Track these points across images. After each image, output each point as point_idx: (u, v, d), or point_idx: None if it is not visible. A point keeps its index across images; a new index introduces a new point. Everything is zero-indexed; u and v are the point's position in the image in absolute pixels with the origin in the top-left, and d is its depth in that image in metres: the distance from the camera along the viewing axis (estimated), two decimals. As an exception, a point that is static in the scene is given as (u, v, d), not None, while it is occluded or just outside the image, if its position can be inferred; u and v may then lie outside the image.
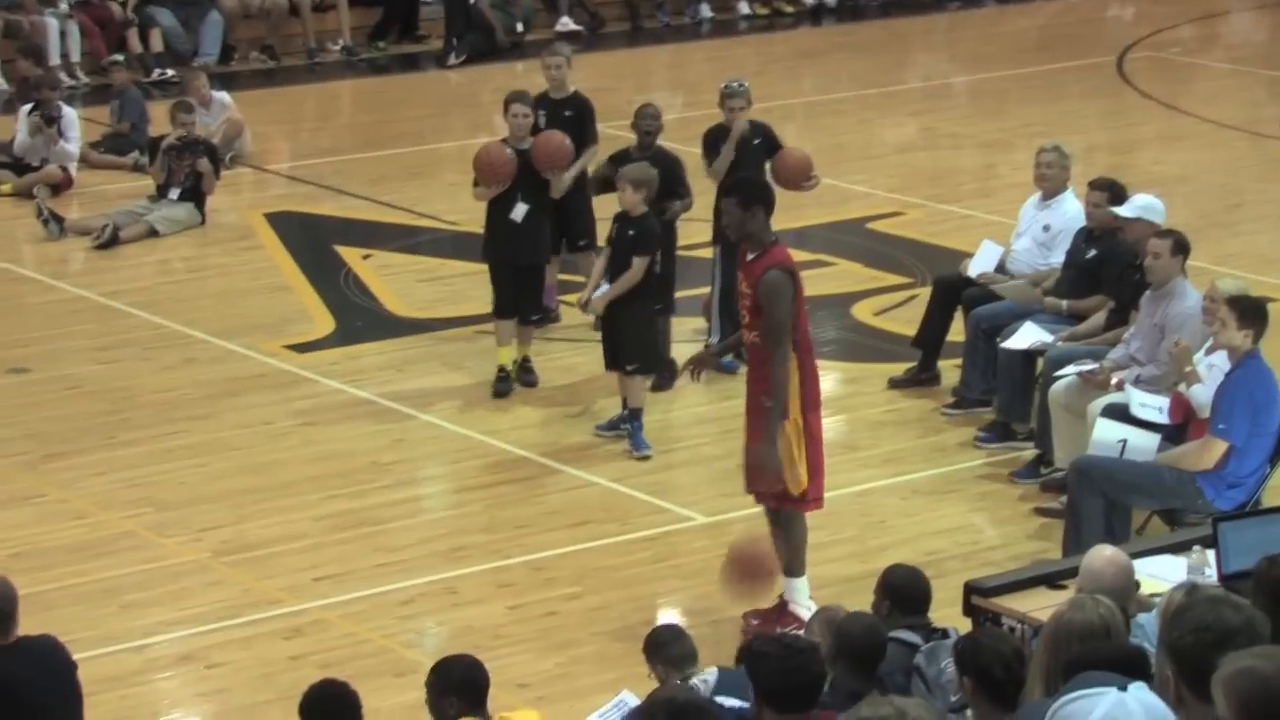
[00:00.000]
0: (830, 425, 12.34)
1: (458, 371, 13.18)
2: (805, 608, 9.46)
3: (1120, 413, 10.44)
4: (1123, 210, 11.50)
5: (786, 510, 9.65)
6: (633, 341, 11.90)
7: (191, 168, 16.60)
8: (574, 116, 13.35)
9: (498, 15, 22.95)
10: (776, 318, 9.38)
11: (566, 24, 23.44)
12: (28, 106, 18.01)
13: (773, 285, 9.39)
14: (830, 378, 13.56)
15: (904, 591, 7.87)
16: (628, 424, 11.95)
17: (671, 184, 12.53)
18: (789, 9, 25.06)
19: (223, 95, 18.42)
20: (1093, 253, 11.87)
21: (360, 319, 14.43)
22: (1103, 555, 7.43)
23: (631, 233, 11.83)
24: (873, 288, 14.94)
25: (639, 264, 11.79)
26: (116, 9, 21.47)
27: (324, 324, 14.29)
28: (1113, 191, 11.85)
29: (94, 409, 12.60)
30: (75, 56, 20.61)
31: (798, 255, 14.32)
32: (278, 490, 11.45)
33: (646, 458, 11.78)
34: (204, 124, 17.53)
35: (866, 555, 10.40)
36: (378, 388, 12.95)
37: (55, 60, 20.22)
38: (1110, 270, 11.70)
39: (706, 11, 24.57)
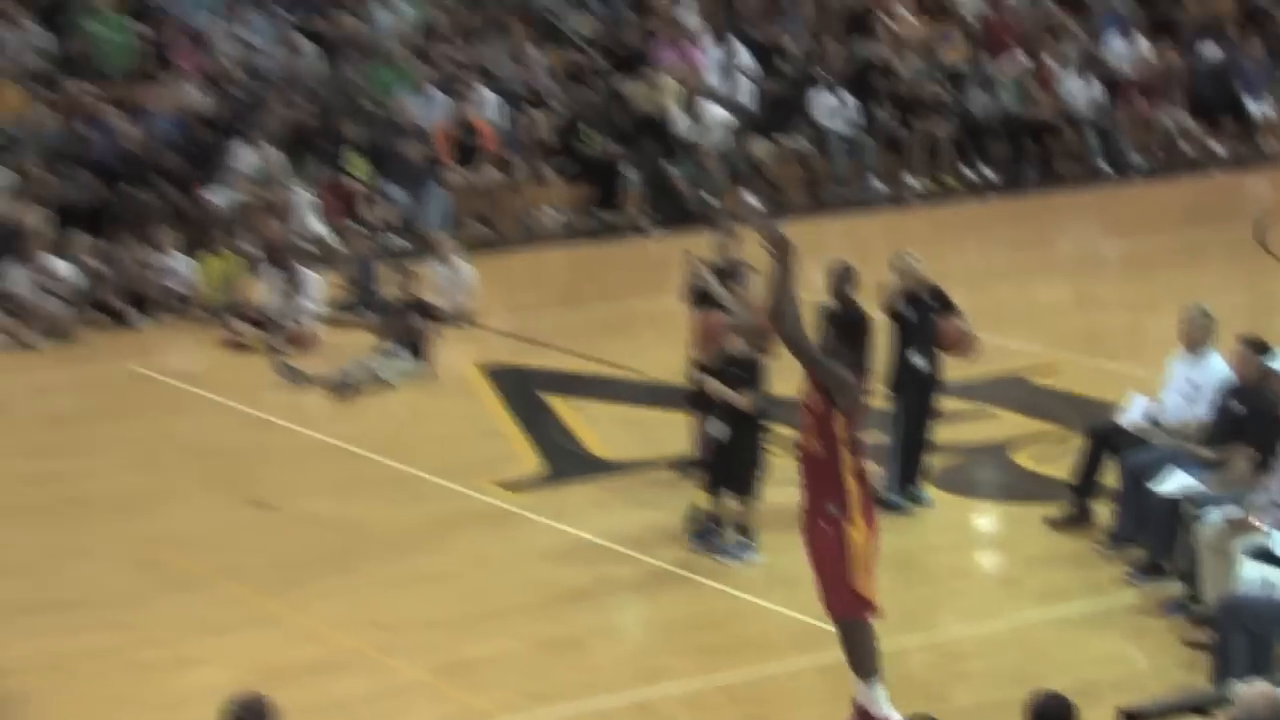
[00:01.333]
0: (991, 561, 12.18)
1: (654, 509, 13.15)
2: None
3: (1264, 553, 10.25)
4: (1270, 361, 11.42)
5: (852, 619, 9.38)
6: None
7: (416, 325, 16.88)
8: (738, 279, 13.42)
9: (690, 189, 23.20)
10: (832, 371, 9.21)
11: (749, 197, 23.54)
12: (274, 269, 18.42)
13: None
14: (991, 517, 13.46)
15: (1050, 716, 7.71)
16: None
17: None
18: (954, 183, 25.08)
19: (463, 265, 18.75)
20: (1237, 404, 11.73)
21: (565, 460, 14.49)
22: (1256, 690, 7.33)
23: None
24: (1031, 435, 14.82)
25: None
26: (354, 184, 21.87)
27: (533, 464, 14.37)
28: (1258, 347, 11.74)
29: (329, 540, 12.72)
30: (317, 225, 20.96)
31: (961, 405, 14.37)
32: (491, 614, 11.45)
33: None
34: (440, 283, 17.92)
35: (1025, 682, 10.22)
36: (580, 522, 12.96)
37: (300, 228, 20.59)
38: (1254, 421, 11.55)
39: (879, 185, 24.66)
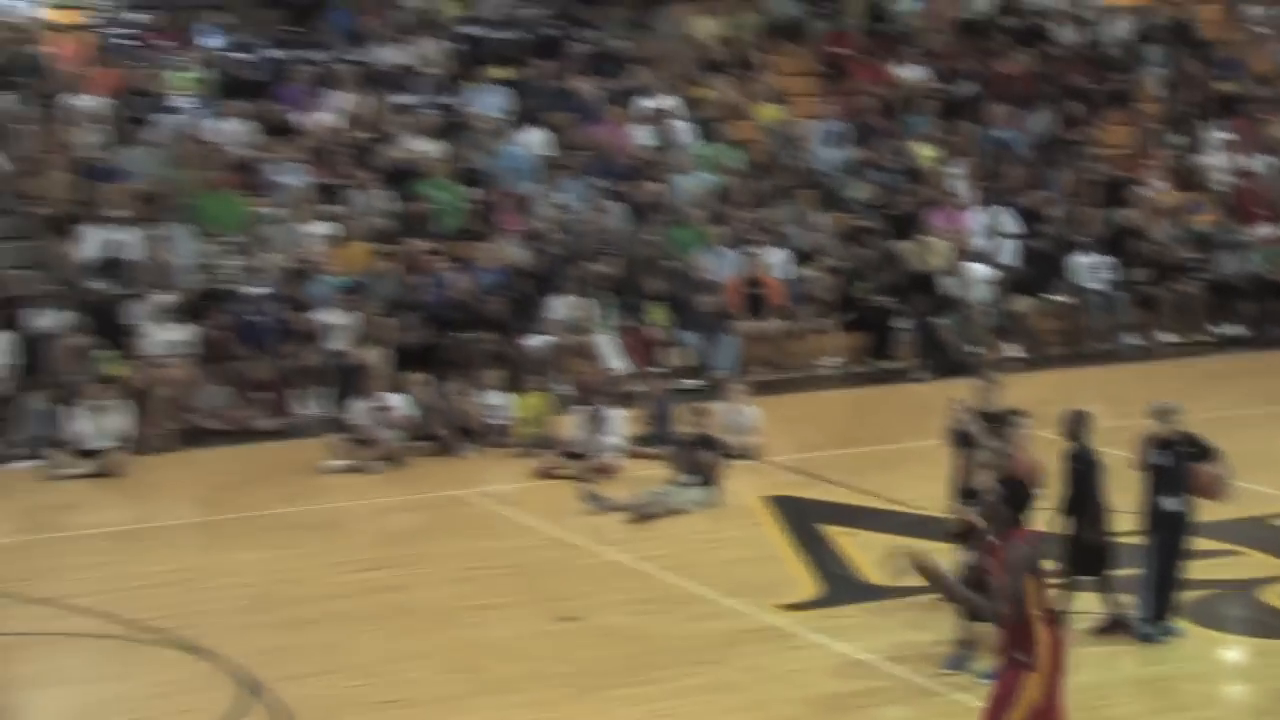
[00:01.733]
0: (1242, 696, 11.84)
1: (919, 630, 13.02)
2: None
3: None
4: None
5: None
6: None
7: (707, 459, 17.02)
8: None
9: (956, 340, 23.12)
10: (1008, 582, 9.09)
11: (1011, 349, 23.42)
12: (582, 407, 18.72)
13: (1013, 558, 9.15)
14: (1239, 651, 13.08)
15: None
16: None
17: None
18: (1204, 338, 24.66)
19: (748, 406, 18.89)
20: None
21: (839, 584, 14.42)
22: None
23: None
24: (1277, 575, 14.40)
25: None
26: (653, 331, 22.17)
27: (810, 588, 14.33)
28: None
29: (628, 651, 12.79)
30: (620, 368, 21.24)
31: (1210, 545, 14.02)
32: (772, 725, 11.46)
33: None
34: (727, 421, 18.12)
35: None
36: (853, 641, 12.89)
37: (605, 370, 20.88)
38: None
39: (1133, 339, 24.33)
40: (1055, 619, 9.24)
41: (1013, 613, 9.13)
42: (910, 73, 27.55)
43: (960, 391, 14.48)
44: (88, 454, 18.37)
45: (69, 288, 20.67)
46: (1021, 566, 9.15)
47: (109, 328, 20.18)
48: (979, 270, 24.02)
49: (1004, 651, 9.29)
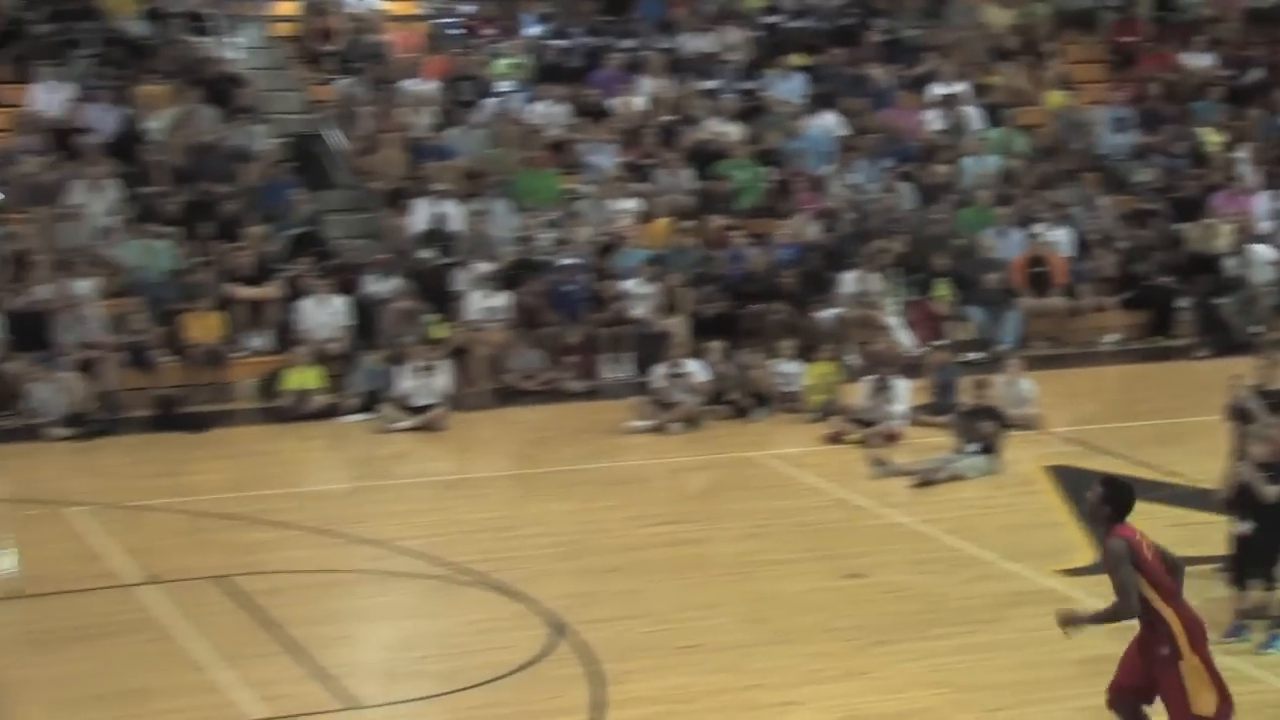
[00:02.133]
0: None
1: (1196, 600, 12.67)
2: None
3: None
4: None
5: None
6: None
7: (988, 429, 16.82)
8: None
9: (1237, 320, 22.42)
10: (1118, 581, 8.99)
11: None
12: (870, 377, 18.63)
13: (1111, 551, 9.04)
14: None
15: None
16: None
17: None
18: None
19: (1026, 380, 18.62)
20: None
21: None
22: None
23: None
24: None
25: None
26: (939, 306, 21.95)
27: (1088, 555, 14.06)
28: None
29: (910, 609, 12.74)
30: (906, 340, 21.08)
31: None
32: (1045, 682, 11.26)
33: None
34: (1007, 393, 17.87)
35: None
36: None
37: (893, 342, 20.75)
38: None
39: None
40: (1178, 599, 9.13)
41: (1139, 606, 9.01)
42: (1198, 60, 26.73)
43: (1241, 369, 14.08)
44: (414, 409, 18.88)
45: (400, 256, 21.26)
46: (1120, 560, 9.00)
47: (434, 294, 20.70)
48: (1263, 252, 23.23)
49: (1149, 649, 9.14)
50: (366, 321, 20.31)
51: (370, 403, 19.21)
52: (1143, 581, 9.06)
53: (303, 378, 19.36)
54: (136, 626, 12.38)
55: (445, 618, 12.83)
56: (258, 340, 20.17)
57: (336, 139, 22.63)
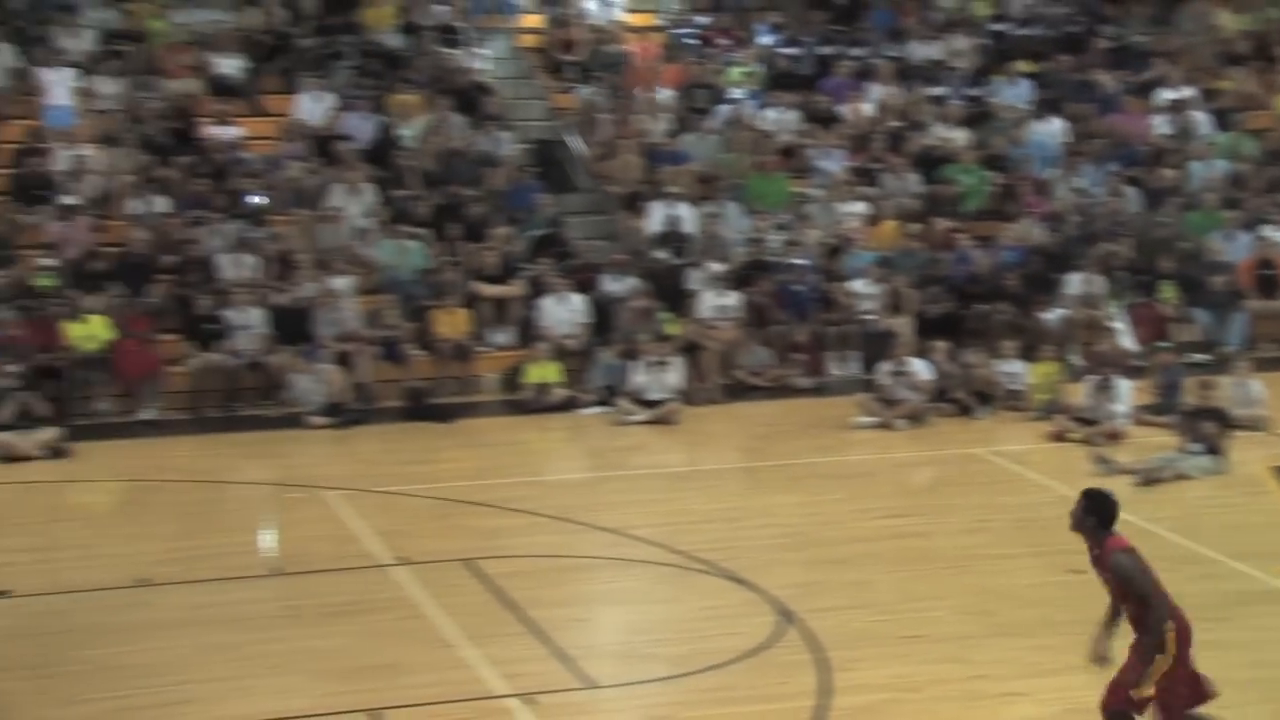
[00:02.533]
0: None
1: None
2: None
3: None
4: None
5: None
6: None
7: (1213, 429, 16.34)
8: None
9: None
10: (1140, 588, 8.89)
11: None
12: (1093, 377, 18.23)
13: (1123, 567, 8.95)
14: None
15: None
16: None
17: None
18: None
19: (1254, 381, 18.07)
20: None
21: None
22: None
23: None
24: None
25: None
26: (1164, 308, 21.41)
27: (1319, 557, 13.62)
28: None
29: (1131, 605, 12.44)
30: (1130, 341, 20.60)
31: None
32: (1275, 682, 10.90)
33: None
34: (1234, 395, 17.33)
35: None
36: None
37: (1117, 343, 20.28)
38: None
39: None
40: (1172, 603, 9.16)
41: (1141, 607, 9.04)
42: None
43: None
44: (648, 404, 18.97)
45: (636, 257, 21.38)
46: (1135, 570, 9.06)
47: (669, 292, 20.77)
48: None
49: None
50: (604, 319, 20.46)
51: (607, 397, 19.35)
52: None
53: (543, 372, 19.58)
54: (388, 605, 12.63)
55: (677, 603, 12.86)
56: (501, 336, 20.45)
57: (577, 145, 22.85)
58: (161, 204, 20.71)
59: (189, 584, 13.05)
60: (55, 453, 17.06)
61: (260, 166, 21.63)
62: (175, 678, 11.06)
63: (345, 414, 18.60)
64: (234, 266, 19.99)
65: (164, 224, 20.44)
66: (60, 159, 20.98)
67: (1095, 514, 9.26)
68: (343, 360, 19.16)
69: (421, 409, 18.98)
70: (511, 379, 19.88)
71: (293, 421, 18.53)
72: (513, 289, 20.63)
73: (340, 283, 19.96)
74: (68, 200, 20.29)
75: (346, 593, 12.90)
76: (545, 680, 11.11)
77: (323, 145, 21.89)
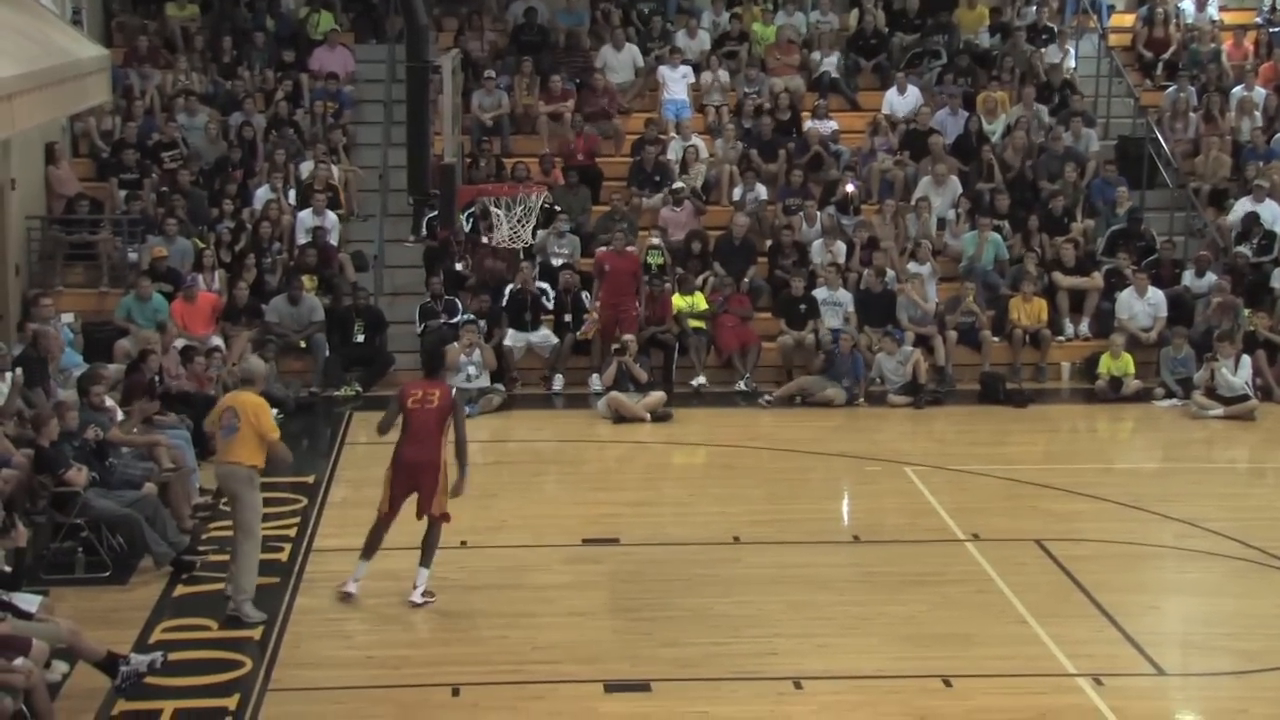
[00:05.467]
0: None
1: None
2: None
3: None
4: None
5: None
6: None
7: None
8: None
9: None
10: None
11: None
12: None
13: None
14: None
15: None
16: None
17: None
18: None
19: None
20: None
21: None
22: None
23: None
24: None
25: None
26: None
27: None
28: None
29: None
30: None
31: None
32: None
33: None
34: None
35: None
36: None
37: None
38: None
39: None
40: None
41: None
42: None
43: None
44: (1225, 400, 18.13)
45: (1219, 253, 20.47)
46: None
47: (1250, 289, 19.81)
48: None
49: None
50: (1180, 313, 19.70)
51: (1181, 391, 18.63)
52: None
53: (1118, 364, 19.05)
54: (961, 577, 12.63)
55: (1252, 598, 12.27)
56: (1078, 326, 20.02)
57: (1162, 142, 22.06)
58: (762, 191, 21.34)
59: (775, 544, 13.43)
60: (660, 416, 17.88)
61: (854, 158, 21.95)
62: (763, 630, 11.42)
63: (924, 394, 18.66)
64: (825, 251, 20.38)
65: (763, 210, 21.04)
66: (673, 148, 21.93)
67: None
68: (922, 343, 19.22)
69: (997, 393, 18.83)
70: (1086, 368, 19.45)
71: (878, 400, 18.72)
72: (1090, 281, 20.15)
73: (922, 270, 20.03)
74: (678, 186, 21.18)
75: (920, 563, 12.98)
76: (1113, 663, 10.86)
77: (911, 139, 21.98)
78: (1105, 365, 19.07)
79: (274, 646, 11.09)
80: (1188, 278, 20.08)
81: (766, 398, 18.50)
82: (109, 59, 18.70)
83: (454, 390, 11.92)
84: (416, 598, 11.71)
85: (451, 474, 11.69)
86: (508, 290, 19.50)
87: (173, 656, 10.67)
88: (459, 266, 19.81)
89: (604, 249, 19.64)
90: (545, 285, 19.68)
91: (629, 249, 19.59)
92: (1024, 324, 19.72)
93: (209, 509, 13.95)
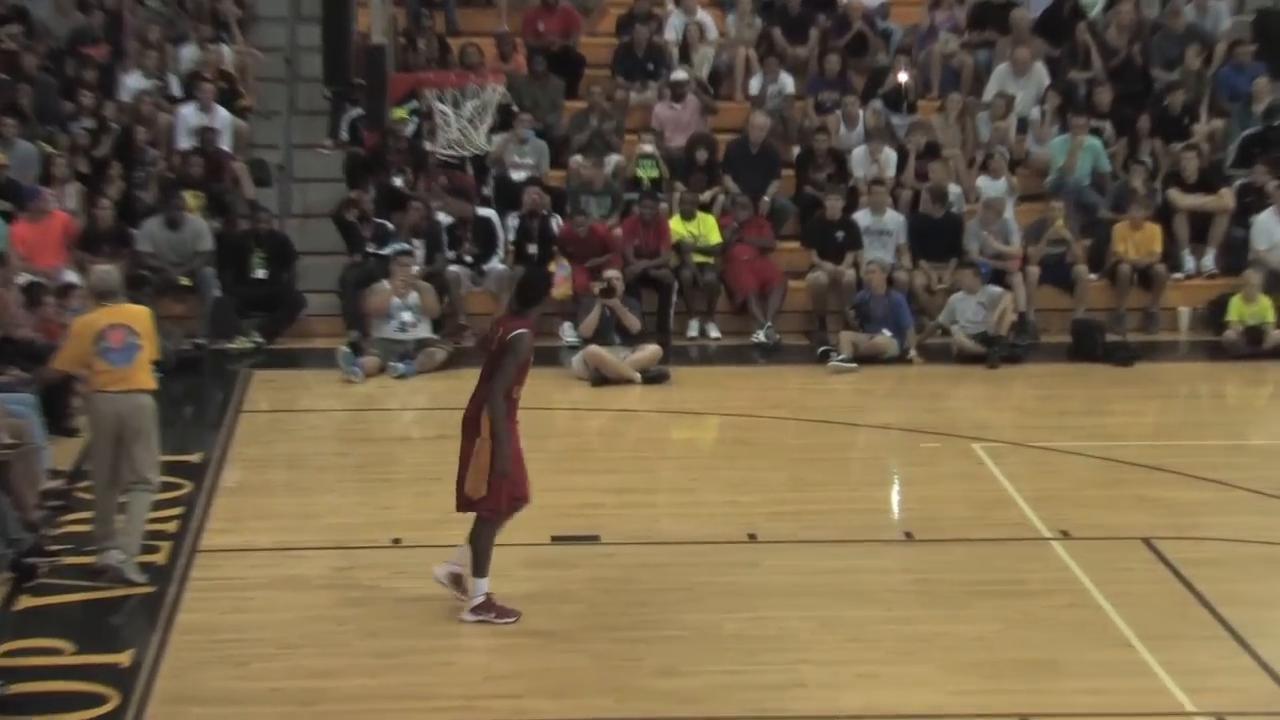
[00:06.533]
0: None
1: None
2: None
3: None
4: None
5: None
6: None
7: None
8: None
9: None
10: None
11: None
12: None
13: None
14: None
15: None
16: None
17: None
18: None
19: None
20: None
21: None
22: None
23: None
24: None
25: None
26: None
27: None
28: None
29: None
30: None
31: None
32: None
33: None
34: None
35: None
36: None
37: None
38: None
39: None
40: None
41: None
42: None
43: None
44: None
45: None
46: None
47: None
48: None
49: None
50: (1337, 243, 19.80)
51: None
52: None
53: (1254, 309, 19.09)
54: (1044, 587, 12.65)
55: None
56: (1201, 260, 20.06)
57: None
58: (788, 83, 21.30)
59: (803, 544, 13.44)
60: (653, 377, 17.88)
61: (908, 39, 21.91)
62: (787, 655, 11.44)
63: (999, 347, 18.67)
64: (870, 161, 20.36)
65: (789, 107, 21.01)
66: (672, 26, 21.87)
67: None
68: (997, 280, 19.24)
69: (1094, 347, 18.88)
70: (1212, 315, 19.53)
71: (936, 354, 18.75)
72: (1219, 200, 20.20)
73: (996, 186, 20.04)
74: (677, 76, 21.14)
75: (992, 569, 13.00)
76: (1244, 699, 10.89)
77: (985, 13, 21.95)
78: (1237, 311, 19.15)
79: (148, 677, 11.08)
80: (1345, 196, 20.16)
81: (840, 358, 18.35)
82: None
83: (518, 333, 11.39)
84: (467, 615, 11.74)
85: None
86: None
87: (12, 689, 10.65)
88: (397, 181, 19.77)
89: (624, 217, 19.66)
90: (490, 213, 19.62)
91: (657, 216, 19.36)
92: (1130, 257, 19.79)
93: (62, 496, 13.92)
